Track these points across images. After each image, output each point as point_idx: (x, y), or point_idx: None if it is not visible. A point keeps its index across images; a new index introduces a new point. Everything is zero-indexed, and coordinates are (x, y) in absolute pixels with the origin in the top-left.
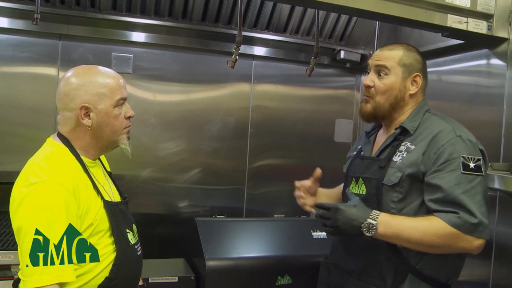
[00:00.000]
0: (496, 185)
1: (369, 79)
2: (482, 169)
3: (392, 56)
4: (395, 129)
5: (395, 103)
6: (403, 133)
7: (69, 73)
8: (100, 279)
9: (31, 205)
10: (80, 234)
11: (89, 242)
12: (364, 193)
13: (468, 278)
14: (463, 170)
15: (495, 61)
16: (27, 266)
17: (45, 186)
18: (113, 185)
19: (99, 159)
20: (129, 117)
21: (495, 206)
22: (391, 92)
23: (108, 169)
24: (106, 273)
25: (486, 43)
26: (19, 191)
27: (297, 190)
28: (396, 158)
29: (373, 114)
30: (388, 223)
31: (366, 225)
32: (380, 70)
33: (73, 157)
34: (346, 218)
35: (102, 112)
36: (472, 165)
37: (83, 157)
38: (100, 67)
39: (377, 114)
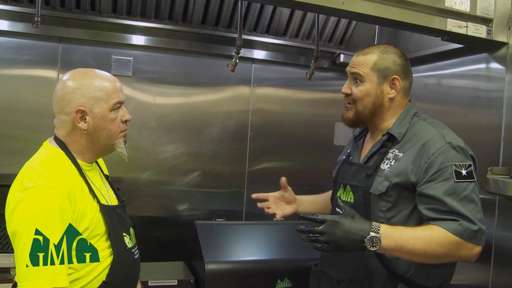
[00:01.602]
0: (496, 189)
1: (347, 86)
2: (474, 175)
3: (365, 61)
4: (382, 135)
5: (375, 109)
6: (391, 139)
7: (66, 76)
8: (97, 283)
9: (26, 210)
10: (80, 234)
11: (89, 242)
12: (352, 201)
13: (467, 282)
14: (456, 179)
15: (495, 65)
16: (27, 266)
17: (39, 191)
18: (110, 188)
19: (96, 162)
20: (125, 121)
21: (495, 210)
22: (368, 98)
23: (106, 173)
24: (103, 277)
25: (486, 47)
26: (14, 196)
27: (260, 202)
28: (384, 166)
29: (354, 120)
30: (390, 235)
31: (370, 239)
32: (356, 78)
33: (69, 161)
34: (345, 232)
35: (98, 116)
36: (464, 172)
37: (79, 161)
38: (97, 71)
39: (358, 120)
